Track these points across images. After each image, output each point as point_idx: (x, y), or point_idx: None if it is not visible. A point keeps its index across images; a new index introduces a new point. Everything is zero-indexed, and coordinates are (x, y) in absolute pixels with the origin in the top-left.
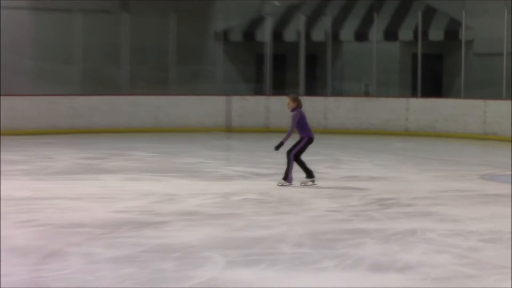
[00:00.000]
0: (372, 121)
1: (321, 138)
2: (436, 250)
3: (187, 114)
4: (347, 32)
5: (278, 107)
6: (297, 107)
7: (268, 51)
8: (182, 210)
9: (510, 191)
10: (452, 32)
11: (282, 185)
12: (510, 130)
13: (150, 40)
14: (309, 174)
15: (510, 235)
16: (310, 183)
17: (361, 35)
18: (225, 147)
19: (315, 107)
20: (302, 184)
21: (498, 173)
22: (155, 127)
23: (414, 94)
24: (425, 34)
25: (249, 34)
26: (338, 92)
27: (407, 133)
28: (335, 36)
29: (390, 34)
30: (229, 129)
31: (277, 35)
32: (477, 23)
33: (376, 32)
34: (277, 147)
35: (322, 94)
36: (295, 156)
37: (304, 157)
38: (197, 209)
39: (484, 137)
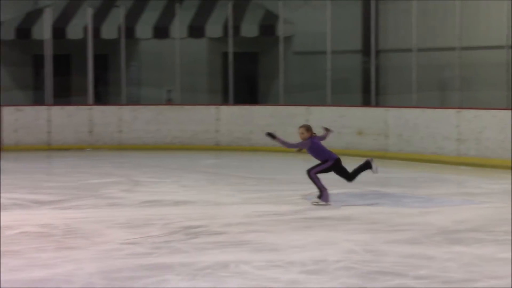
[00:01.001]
0: (176, 133)
1: (115, 156)
2: (252, 285)
3: None
4: (144, 28)
5: (62, 120)
6: (311, 137)
7: (48, 52)
8: None
9: (336, 213)
10: (268, 27)
11: (318, 204)
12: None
13: None
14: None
15: (336, 265)
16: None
17: (161, 31)
18: None
19: (107, 119)
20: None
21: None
22: None
23: (225, 101)
24: (236, 29)
25: (23, 31)
26: (134, 100)
27: (218, 148)
28: (130, 32)
29: (196, 30)
30: (1, 148)
31: (59, 31)
32: (296, 17)
33: (178, 27)
34: (271, 135)
35: (116, 102)
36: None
37: (94, 178)
38: None
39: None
